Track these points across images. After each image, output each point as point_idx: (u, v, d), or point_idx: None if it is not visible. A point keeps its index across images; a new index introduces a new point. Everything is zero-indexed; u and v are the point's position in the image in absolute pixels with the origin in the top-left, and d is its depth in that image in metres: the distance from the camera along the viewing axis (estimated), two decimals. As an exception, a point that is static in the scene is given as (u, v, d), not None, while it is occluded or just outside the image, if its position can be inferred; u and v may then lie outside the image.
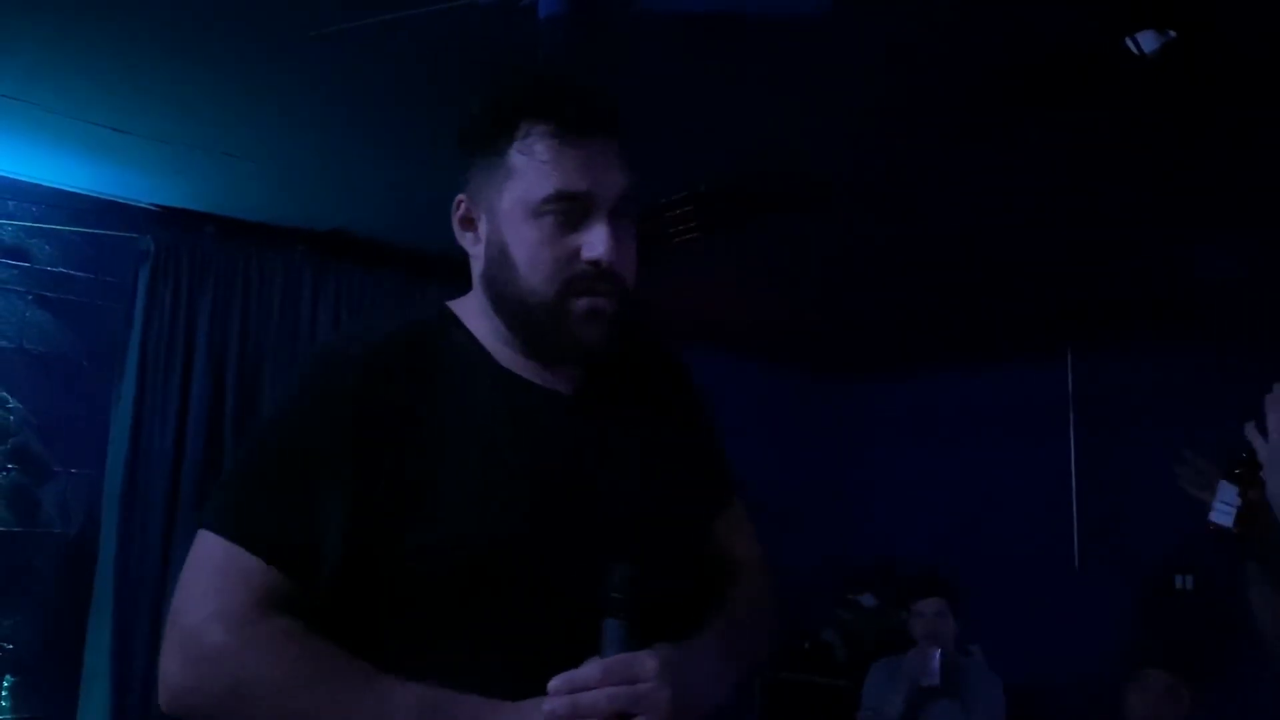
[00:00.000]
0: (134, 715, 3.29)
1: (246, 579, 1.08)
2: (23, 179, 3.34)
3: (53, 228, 3.42)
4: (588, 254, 1.15)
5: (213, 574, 1.09)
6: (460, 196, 1.24)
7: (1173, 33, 2.06)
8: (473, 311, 1.25)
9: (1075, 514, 4.87)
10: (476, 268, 1.25)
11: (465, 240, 1.25)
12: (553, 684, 1.03)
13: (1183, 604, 4.44)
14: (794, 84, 2.65)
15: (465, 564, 1.10)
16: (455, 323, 1.26)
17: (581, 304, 1.16)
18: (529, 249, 1.16)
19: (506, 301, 1.20)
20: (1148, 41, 2.05)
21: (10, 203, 3.36)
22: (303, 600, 1.09)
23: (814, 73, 2.59)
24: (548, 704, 1.03)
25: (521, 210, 1.16)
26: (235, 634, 1.05)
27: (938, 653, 3.61)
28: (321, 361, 1.26)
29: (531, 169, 1.16)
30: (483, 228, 1.22)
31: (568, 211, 1.15)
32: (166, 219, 3.58)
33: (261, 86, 2.71)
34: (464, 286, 1.29)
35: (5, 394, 3.30)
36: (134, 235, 3.53)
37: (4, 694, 3.18)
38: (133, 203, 3.54)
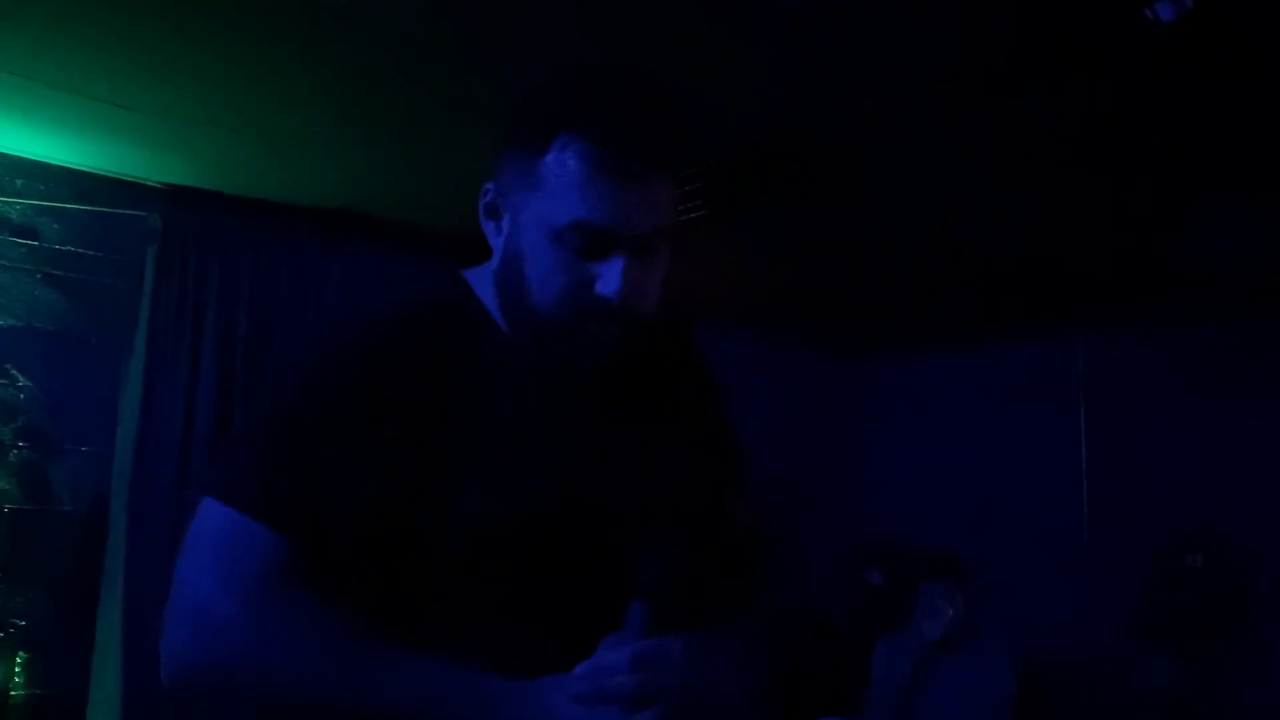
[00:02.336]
0: (146, 691, 3.30)
1: (257, 550, 1.04)
2: (30, 157, 3.32)
3: (61, 206, 3.42)
4: (601, 289, 1.10)
5: (222, 545, 1.05)
6: (489, 185, 1.19)
7: (1190, 2, 2.03)
8: (488, 283, 1.21)
9: (1085, 493, 4.85)
10: (494, 258, 1.20)
11: (487, 229, 1.20)
12: (580, 669, 1.03)
13: (1193, 582, 4.42)
14: (802, 60, 2.63)
15: (467, 538, 1.09)
16: (469, 293, 1.23)
17: (591, 329, 1.12)
18: (544, 271, 1.12)
19: (513, 307, 1.16)
20: (1165, 11, 2.02)
21: (18, 181, 3.35)
22: (312, 571, 1.06)
23: (823, 49, 2.56)
24: (575, 688, 1.02)
25: (543, 229, 1.11)
26: (246, 606, 1.03)
27: (949, 612, 3.64)
28: (333, 332, 1.22)
29: (561, 187, 1.09)
30: (505, 223, 1.17)
31: (588, 241, 1.09)
32: (174, 197, 3.57)
33: (268, 63, 2.70)
34: (472, 263, 1.27)
35: (15, 372, 3.30)
36: (142, 213, 3.52)
37: (17, 670, 3.20)
38: (141, 181, 3.52)
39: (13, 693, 3.18)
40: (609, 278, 1.09)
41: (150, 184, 3.55)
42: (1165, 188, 3.37)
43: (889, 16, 2.39)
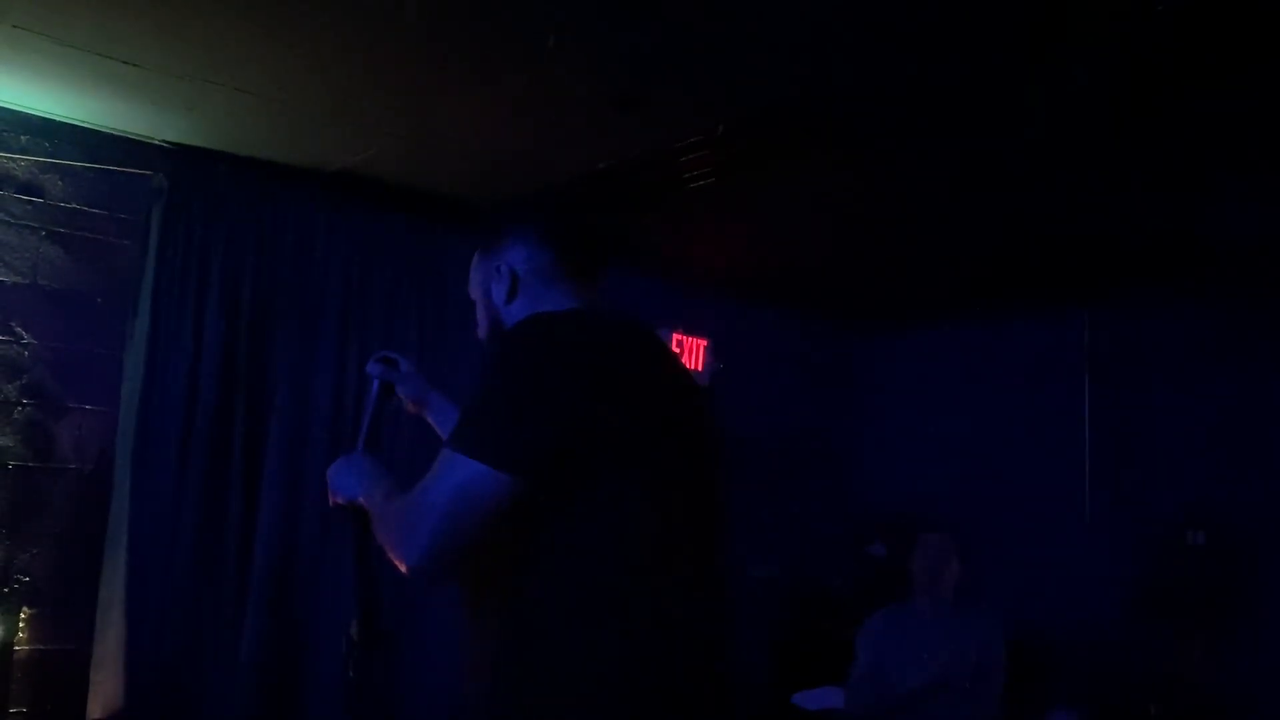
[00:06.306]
0: (149, 647, 3.33)
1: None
2: (36, 113, 3.32)
3: (66, 163, 3.41)
4: None
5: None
6: None
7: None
8: None
9: (1088, 469, 4.85)
10: None
11: None
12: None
13: (1194, 559, 4.43)
14: (810, 27, 2.60)
15: None
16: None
17: None
18: None
19: None
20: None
21: (24, 137, 3.34)
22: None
23: (831, 13, 2.54)
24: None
25: None
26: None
27: (948, 565, 3.61)
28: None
29: None
30: None
31: None
32: (180, 156, 3.56)
33: (276, 22, 2.67)
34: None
35: (20, 330, 3.30)
36: (148, 172, 3.51)
37: (21, 626, 3.22)
38: (147, 139, 3.51)
39: (16, 649, 3.20)
40: None
41: (157, 142, 3.54)
42: (1173, 161, 3.34)
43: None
